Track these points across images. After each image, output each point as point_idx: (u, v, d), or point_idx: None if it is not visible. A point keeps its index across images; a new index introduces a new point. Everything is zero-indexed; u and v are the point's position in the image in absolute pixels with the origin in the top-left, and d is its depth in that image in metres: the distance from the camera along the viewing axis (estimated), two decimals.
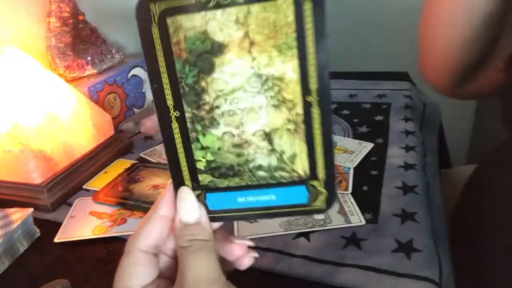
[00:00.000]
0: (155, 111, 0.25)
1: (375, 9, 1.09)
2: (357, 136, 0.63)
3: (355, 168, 0.54)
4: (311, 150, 0.24)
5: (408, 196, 0.48)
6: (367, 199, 0.48)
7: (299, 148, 0.24)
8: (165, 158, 0.26)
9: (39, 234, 0.48)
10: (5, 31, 0.70)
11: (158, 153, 0.64)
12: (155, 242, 0.26)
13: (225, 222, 0.27)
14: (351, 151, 0.58)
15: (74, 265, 0.43)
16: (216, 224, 0.28)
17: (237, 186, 0.26)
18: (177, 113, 0.25)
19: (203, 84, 0.24)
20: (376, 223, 0.44)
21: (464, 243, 0.48)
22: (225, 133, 0.25)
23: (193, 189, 0.27)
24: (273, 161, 0.25)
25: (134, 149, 0.66)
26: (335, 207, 0.46)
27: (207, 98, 0.24)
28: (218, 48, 0.23)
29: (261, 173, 0.25)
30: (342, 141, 0.62)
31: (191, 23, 0.23)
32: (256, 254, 0.28)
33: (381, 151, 0.58)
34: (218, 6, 0.22)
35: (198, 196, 0.27)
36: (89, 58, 0.76)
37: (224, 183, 0.26)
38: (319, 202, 0.25)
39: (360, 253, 0.40)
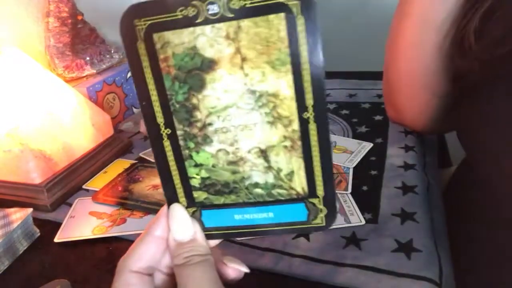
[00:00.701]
0: None
1: (374, 9, 1.09)
2: (357, 136, 0.63)
3: (354, 168, 0.54)
4: (309, 167, 0.24)
5: (407, 196, 0.48)
6: (367, 199, 0.48)
7: (297, 165, 0.24)
8: None
9: (38, 234, 0.47)
10: (3, 31, 0.69)
11: None
12: (147, 263, 0.25)
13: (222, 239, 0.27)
14: (351, 151, 0.58)
15: (74, 265, 0.43)
16: (213, 242, 0.27)
17: (233, 203, 0.25)
18: (168, 131, 0.24)
19: (194, 101, 0.23)
20: (376, 223, 0.44)
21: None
22: (219, 150, 0.24)
23: (188, 206, 0.26)
24: (270, 179, 0.24)
25: (134, 149, 0.66)
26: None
27: (199, 115, 0.24)
28: (209, 65, 0.22)
29: (258, 190, 0.25)
30: (342, 141, 0.62)
31: (179, 39, 0.22)
32: (247, 270, 0.27)
33: (381, 151, 0.58)
34: (206, 21, 0.21)
35: (193, 213, 0.26)
36: (88, 58, 0.76)
37: (220, 200, 0.25)
38: (319, 220, 0.25)
39: (360, 253, 0.40)
